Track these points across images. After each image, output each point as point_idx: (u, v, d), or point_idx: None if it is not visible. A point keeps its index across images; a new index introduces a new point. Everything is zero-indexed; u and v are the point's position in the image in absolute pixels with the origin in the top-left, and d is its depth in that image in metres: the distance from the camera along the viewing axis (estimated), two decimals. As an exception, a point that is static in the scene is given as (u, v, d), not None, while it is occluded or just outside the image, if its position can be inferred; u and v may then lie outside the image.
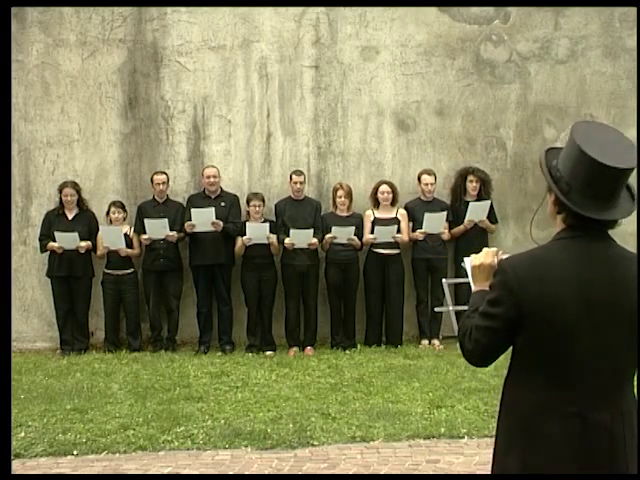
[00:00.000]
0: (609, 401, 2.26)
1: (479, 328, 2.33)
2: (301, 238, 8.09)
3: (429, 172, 8.51)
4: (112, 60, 8.66)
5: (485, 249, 2.59)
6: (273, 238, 8.16)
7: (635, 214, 2.36)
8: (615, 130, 2.37)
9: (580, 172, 2.25)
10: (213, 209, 8.13)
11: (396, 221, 8.31)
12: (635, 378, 2.36)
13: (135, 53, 8.67)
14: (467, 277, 2.63)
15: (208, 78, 8.71)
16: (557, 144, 2.25)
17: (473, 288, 2.56)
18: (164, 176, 8.43)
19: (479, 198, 8.47)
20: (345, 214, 8.39)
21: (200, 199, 8.40)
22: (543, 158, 2.39)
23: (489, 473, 2.47)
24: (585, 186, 2.25)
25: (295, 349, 8.29)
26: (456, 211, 8.50)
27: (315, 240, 8.12)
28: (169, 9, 8.63)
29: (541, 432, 2.26)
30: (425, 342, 8.42)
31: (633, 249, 2.43)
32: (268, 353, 8.20)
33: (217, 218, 8.13)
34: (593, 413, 2.24)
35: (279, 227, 8.31)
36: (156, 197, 8.46)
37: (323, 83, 8.75)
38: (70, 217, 8.36)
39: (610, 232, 2.37)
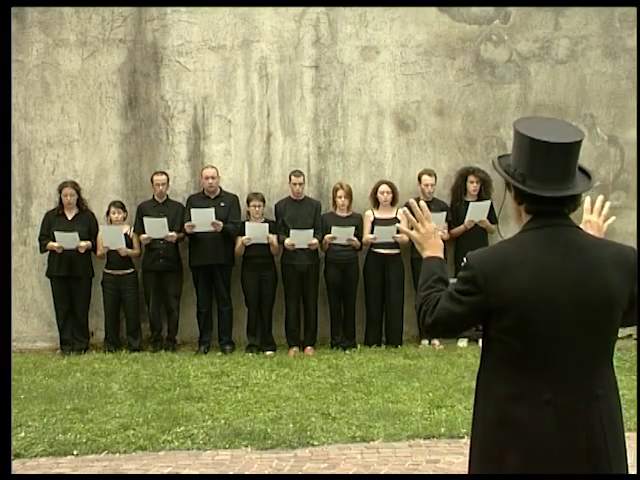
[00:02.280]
0: (581, 386, 2.27)
1: (443, 309, 2.36)
2: (301, 238, 8.09)
3: (429, 172, 8.51)
4: (112, 60, 8.66)
5: (413, 207, 2.60)
6: (273, 238, 8.16)
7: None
8: (557, 119, 2.46)
9: (528, 157, 2.30)
10: (213, 209, 8.12)
11: (396, 221, 8.31)
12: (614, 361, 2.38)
13: (135, 53, 8.67)
14: None
15: (208, 78, 8.71)
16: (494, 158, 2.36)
17: (423, 255, 2.57)
18: (164, 176, 8.43)
19: (479, 198, 8.47)
20: (345, 214, 8.40)
21: (200, 199, 8.40)
22: (496, 161, 2.45)
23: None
24: (536, 169, 2.30)
25: (295, 349, 8.29)
26: (456, 211, 8.50)
27: (315, 240, 8.12)
28: (169, 9, 8.64)
29: (515, 421, 2.27)
30: (425, 342, 8.42)
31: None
32: (268, 353, 8.20)
33: (217, 218, 8.13)
34: (565, 399, 2.25)
35: (279, 227, 8.31)
36: (156, 197, 8.46)
37: (323, 83, 8.75)
38: (70, 217, 8.36)
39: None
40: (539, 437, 2.25)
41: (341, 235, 8.14)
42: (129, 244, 8.30)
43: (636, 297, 2.32)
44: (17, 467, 4.99)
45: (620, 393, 2.42)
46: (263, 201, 8.33)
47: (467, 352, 7.86)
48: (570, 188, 2.31)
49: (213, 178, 8.35)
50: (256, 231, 8.12)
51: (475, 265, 2.32)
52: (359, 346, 8.26)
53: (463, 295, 2.32)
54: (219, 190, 8.45)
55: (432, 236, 2.57)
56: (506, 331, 2.29)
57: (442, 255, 2.57)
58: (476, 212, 8.34)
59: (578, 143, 2.31)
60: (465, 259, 2.38)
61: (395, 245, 8.31)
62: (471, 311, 2.33)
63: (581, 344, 2.27)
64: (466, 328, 2.40)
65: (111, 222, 8.37)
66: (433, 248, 2.56)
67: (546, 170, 2.29)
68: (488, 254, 2.37)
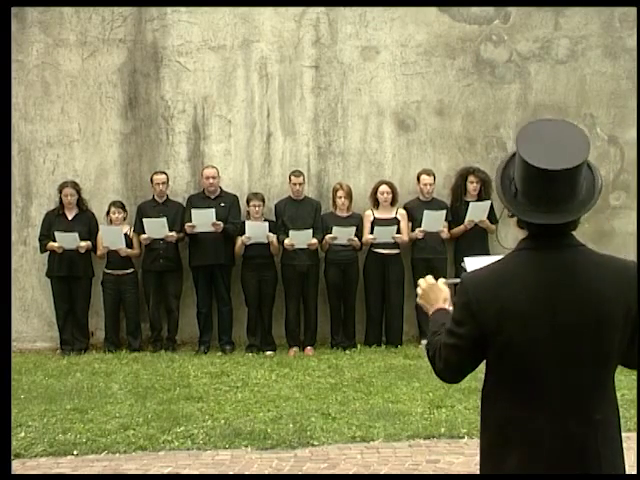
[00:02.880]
0: (578, 411, 2.21)
1: (447, 346, 2.32)
2: (300, 238, 8.09)
3: (428, 172, 8.51)
4: (112, 60, 8.66)
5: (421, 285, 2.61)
6: (273, 238, 8.17)
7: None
8: (567, 125, 2.25)
9: (521, 176, 2.20)
10: (213, 210, 8.12)
11: (396, 221, 8.31)
12: (614, 384, 2.31)
13: (135, 53, 8.67)
14: None
15: (208, 78, 8.71)
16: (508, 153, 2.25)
17: (430, 311, 2.55)
18: (164, 176, 8.43)
19: (479, 198, 8.46)
20: (345, 214, 8.39)
21: (200, 199, 8.40)
22: (506, 158, 2.33)
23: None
24: (529, 190, 2.19)
25: (295, 349, 8.29)
26: (456, 211, 8.49)
27: (315, 240, 8.12)
28: (169, 9, 8.63)
29: (510, 447, 2.24)
30: (425, 342, 8.40)
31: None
32: (268, 353, 8.20)
33: (217, 218, 8.12)
34: (561, 424, 2.20)
35: (279, 227, 8.31)
36: (156, 197, 8.46)
37: (323, 83, 8.75)
38: (70, 217, 8.36)
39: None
40: (532, 464, 2.21)
41: (342, 235, 8.14)
42: (129, 244, 8.30)
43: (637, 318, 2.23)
44: (17, 467, 4.99)
45: (620, 393, 2.39)
46: (263, 201, 8.33)
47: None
48: (563, 211, 2.18)
49: (213, 178, 8.35)
50: (256, 230, 8.12)
51: (469, 289, 2.28)
52: (359, 346, 8.26)
53: (461, 326, 2.28)
54: (219, 190, 8.45)
55: (433, 289, 2.56)
56: (500, 355, 2.25)
57: (447, 306, 2.52)
58: (476, 212, 8.33)
59: (577, 168, 2.15)
60: (460, 280, 2.33)
61: (395, 245, 8.31)
62: (473, 341, 2.27)
63: (577, 370, 2.21)
64: (474, 361, 2.33)
65: (111, 222, 8.37)
66: (437, 302, 2.54)
67: (536, 192, 2.19)
68: (482, 277, 2.30)
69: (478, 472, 2.43)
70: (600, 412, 2.24)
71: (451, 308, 2.47)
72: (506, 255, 2.35)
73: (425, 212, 8.19)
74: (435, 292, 2.56)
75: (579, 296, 2.21)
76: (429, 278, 2.61)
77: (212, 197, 8.38)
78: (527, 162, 2.15)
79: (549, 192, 2.18)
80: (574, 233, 2.29)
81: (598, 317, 2.20)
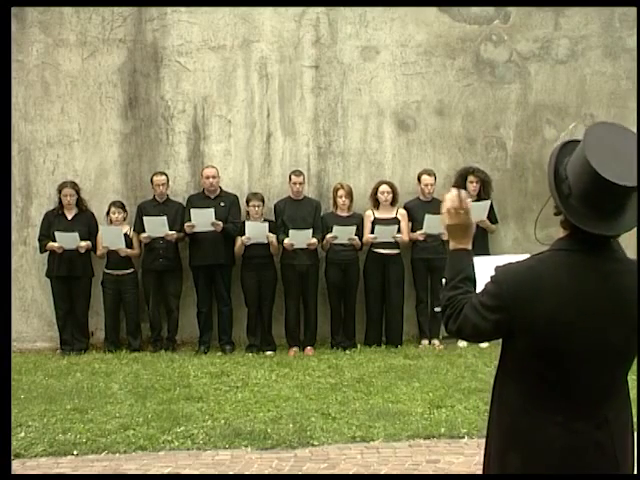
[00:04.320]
0: (595, 412, 2.24)
1: (466, 318, 2.31)
2: (300, 238, 8.08)
3: (429, 172, 8.51)
4: (112, 60, 8.66)
5: (449, 198, 2.45)
6: (272, 238, 8.16)
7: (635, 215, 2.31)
8: (633, 136, 2.20)
9: (582, 180, 2.16)
10: (213, 209, 8.12)
11: (396, 221, 8.31)
12: (628, 381, 2.34)
13: (135, 53, 8.67)
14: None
15: (208, 78, 8.71)
16: (557, 144, 2.17)
17: (450, 245, 2.46)
18: (164, 177, 8.43)
19: (479, 198, 8.46)
20: (345, 214, 8.40)
21: (200, 199, 8.40)
22: (556, 152, 2.28)
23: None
24: (586, 195, 2.16)
25: (295, 349, 8.29)
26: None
27: (314, 240, 8.12)
28: (169, 9, 8.64)
29: (525, 439, 2.25)
30: (425, 342, 8.42)
31: (633, 249, 2.42)
32: (268, 353, 8.20)
33: (217, 218, 8.13)
34: (577, 423, 2.22)
35: (279, 227, 8.31)
36: (156, 197, 8.47)
37: (323, 83, 8.75)
38: (70, 217, 8.36)
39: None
40: (547, 459, 2.23)
41: (342, 234, 8.14)
42: (129, 244, 8.30)
43: None
44: (17, 467, 4.99)
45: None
46: (262, 201, 8.33)
47: (467, 352, 7.86)
48: (614, 221, 2.17)
49: (213, 178, 8.35)
50: (256, 230, 8.12)
51: (503, 282, 2.25)
52: (359, 346, 8.26)
53: (488, 311, 2.26)
54: (219, 190, 8.45)
55: (463, 222, 2.42)
56: (525, 351, 2.26)
57: (469, 246, 2.44)
58: (476, 212, 8.22)
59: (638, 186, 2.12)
60: (494, 271, 2.30)
61: (395, 245, 8.31)
62: (495, 328, 2.28)
63: (599, 375, 2.24)
64: (490, 339, 2.38)
65: (111, 222, 8.37)
66: (462, 238, 2.44)
67: (595, 201, 2.15)
68: (518, 273, 2.26)
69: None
70: (613, 410, 2.27)
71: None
72: (542, 253, 2.31)
73: (427, 216, 8.17)
74: (463, 228, 2.43)
75: (613, 306, 2.22)
76: (463, 194, 2.45)
77: (212, 197, 8.39)
78: (595, 171, 2.10)
79: (609, 204, 2.16)
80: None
81: (627, 326, 2.22)
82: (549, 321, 2.20)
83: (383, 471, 4.92)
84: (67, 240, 8.13)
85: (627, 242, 2.46)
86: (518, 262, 2.31)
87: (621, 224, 2.19)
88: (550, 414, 2.23)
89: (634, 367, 2.41)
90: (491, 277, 2.30)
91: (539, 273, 2.25)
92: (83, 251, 8.21)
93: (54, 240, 8.19)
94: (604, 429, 2.23)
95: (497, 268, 2.31)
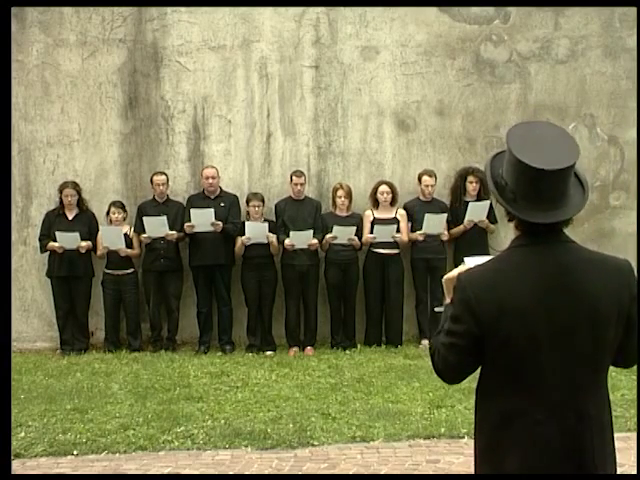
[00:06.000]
0: (574, 407, 2.24)
1: (445, 345, 2.32)
2: (301, 239, 8.09)
3: (430, 173, 8.51)
4: (112, 60, 8.66)
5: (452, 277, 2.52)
6: (273, 238, 8.17)
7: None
8: (554, 127, 2.34)
9: (519, 178, 2.23)
10: (212, 210, 8.13)
11: (396, 221, 8.31)
12: (608, 379, 2.34)
13: (135, 53, 8.67)
14: None
15: (208, 78, 8.71)
16: (487, 159, 2.23)
17: (446, 299, 2.52)
18: (164, 177, 8.43)
19: (479, 198, 8.47)
20: (345, 214, 8.40)
21: (200, 199, 8.40)
22: (488, 166, 2.36)
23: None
24: (527, 191, 2.23)
25: (295, 349, 8.29)
26: (456, 211, 8.49)
27: (315, 241, 8.12)
28: (169, 9, 8.64)
29: (509, 442, 2.25)
30: (425, 342, 8.41)
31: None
32: (268, 353, 8.20)
33: (217, 218, 8.13)
34: (557, 420, 2.23)
35: (279, 227, 8.31)
36: (156, 197, 8.47)
37: (323, 83, 8.75)
38: (70, 217, 8.36)
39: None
40: (532, 458, 2.23)
41: (342, 234, 8.14)
42: (129, 244, 8.30)
43: (631, 315, 2.27)
44: (17, 467, 4.99)
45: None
46: (262, 201, 8.33)
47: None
48: (563, 207, 2.24)
49: (213, 178, 8.35)
50: (256, 230, 8.12)
51: (466, 286, 2.28)
52: (359, 346, 8.26)
53: (459, 324, 2.27)
54: (219, 190, 8.45)
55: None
56: (498, 351, 2.26)
57: None
58: (475, 212, 8.33)
59: (572, 167, 2.23)
60: (456, 279, 2.33)
61: (395, 245, 8.31)
62: (471, 340, 2.27)
63: (571, 367, 2.24)
64: (474, 361, 2.31)
65: (111, 222, 8.37)
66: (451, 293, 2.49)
67: (537, 193, 2.23)
68: (479, 275, 2.31)
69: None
70: (594, 407, 2.27)
71: None
72: (501, 252, 2.38)
73: (426, 215, 8.17)
74: (449, 285, 2.47)
75: (574, 294, 2.24)
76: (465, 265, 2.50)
77: (212, 197, 8.39)
78: (525, 164, 2.19)
79: (547, 192, 2.22)
80: (565, 231, 2.33)
81: (592, 315, 2.24)
82: (516, 316, 2.21)
83: (383, 471, 4.92)
84: (68, 240, 8.13)
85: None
86: (477, 265, 2.36)
87: (569, 208, 2.26)
88: (530, 413, 2.23)
89: (634, 367, 2.40)
90: (454, 287, 2.33)
91: (498, 270, 2.30)
92: (84, 251, 8.21)
93: (55, 240, 8.19)
94: (585, 425, 2.23)
95: (459, 275, 2.34)
